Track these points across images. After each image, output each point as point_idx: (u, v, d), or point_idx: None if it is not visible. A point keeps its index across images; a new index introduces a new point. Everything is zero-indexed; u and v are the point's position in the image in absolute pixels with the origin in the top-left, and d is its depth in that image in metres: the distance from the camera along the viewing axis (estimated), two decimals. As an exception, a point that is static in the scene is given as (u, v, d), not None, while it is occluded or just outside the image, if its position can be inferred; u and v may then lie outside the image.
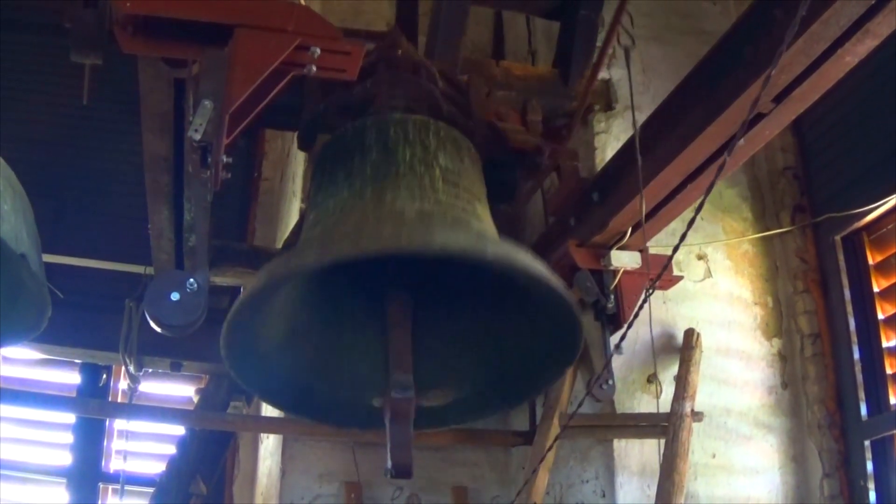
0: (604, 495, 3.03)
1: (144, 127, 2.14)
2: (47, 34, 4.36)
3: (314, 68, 1.79)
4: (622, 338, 1.95)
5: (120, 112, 4.18)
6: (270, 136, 4.88)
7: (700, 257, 3.30)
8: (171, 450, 4.33)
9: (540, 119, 2.56)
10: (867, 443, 2.95)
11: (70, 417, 4.97)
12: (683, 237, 1.55)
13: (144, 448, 5.04)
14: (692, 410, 2.89)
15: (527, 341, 1.92)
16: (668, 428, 2.86)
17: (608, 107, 3.38)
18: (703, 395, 3.00)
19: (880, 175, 2.95)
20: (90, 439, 4.95)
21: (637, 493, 2.96)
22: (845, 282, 3.14)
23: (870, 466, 2.93)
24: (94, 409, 4.03)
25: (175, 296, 2.06)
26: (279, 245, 3.80)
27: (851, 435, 3.01)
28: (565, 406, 3.13)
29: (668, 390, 3.02)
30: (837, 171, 3.27)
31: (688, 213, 2.43)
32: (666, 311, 3.16)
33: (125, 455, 4.65)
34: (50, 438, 5.05)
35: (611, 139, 3.33)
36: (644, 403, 3.06)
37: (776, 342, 3.27)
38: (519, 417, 3.56)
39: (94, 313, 4.00)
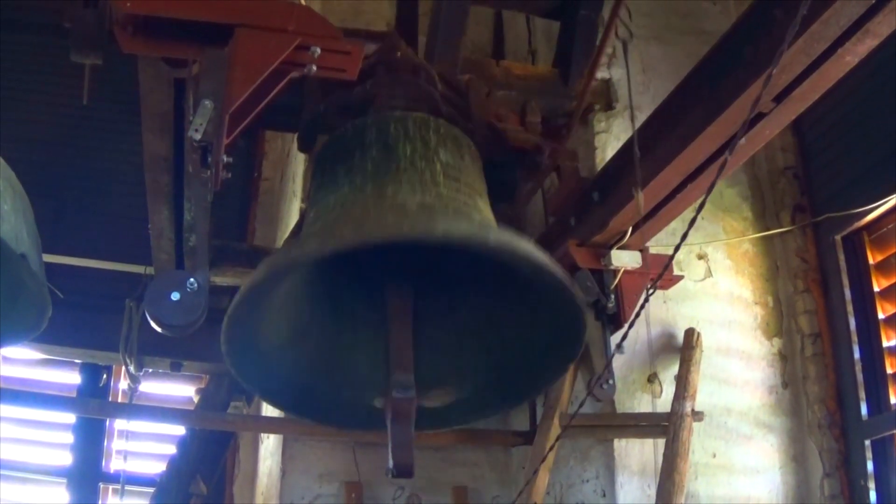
0: (604, 495, 3.03)
1: (144, 127, 2.13)
2: (47, 34, 4.36)
3: (314, 68, 1.79)
4: (624, 337, 1.95)
5: (120, 112, 4.18)
6: (270, 136, 4.88)
7: (700, 257, 3.30)
8: (172, 450, 4.32)
9: (539, 120, 2.55)
10: (867, 442, 2.95)
11: (70, 417, 4.97)
12: (685, 237, 1.55)
13: (145, 448, 5.03)
14: (692, 410, 2.89)
15: (529, 334, 1.91)
16: (668, 428, 2.86)
17: (608, 106, 3.38)
18: (704, 395, 3.00)
19: (880, 175, 2.95)
20: (90, 439, 4.95)
21: (637, 493, 2.96)
22: (846, 281, 3.15)
23: (870, 466, 2.93)
24: (94, 409, 4.03)
25: (175, 296, 2.06)
26: (279, 245, 3.81)
27: (852, 434, 3.01)
28: (566, 406, 3.13)
29: (668, 390, 3.02)
30: (837, 170, 3.27)
31: (688, 213, 2.43)
32: (666, 310, 3.16)
33: (125, 455, 4.65)
34: (50, 438, 5.05)
35: (611, 139, 3.34)
36: (644, 403, 3.06)
37: (776, 342, 3.28)
38: (519, 417, 3.56)
39: (95, 313, 3.99)
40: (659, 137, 2.22)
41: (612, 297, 2.54)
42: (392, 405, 1.72)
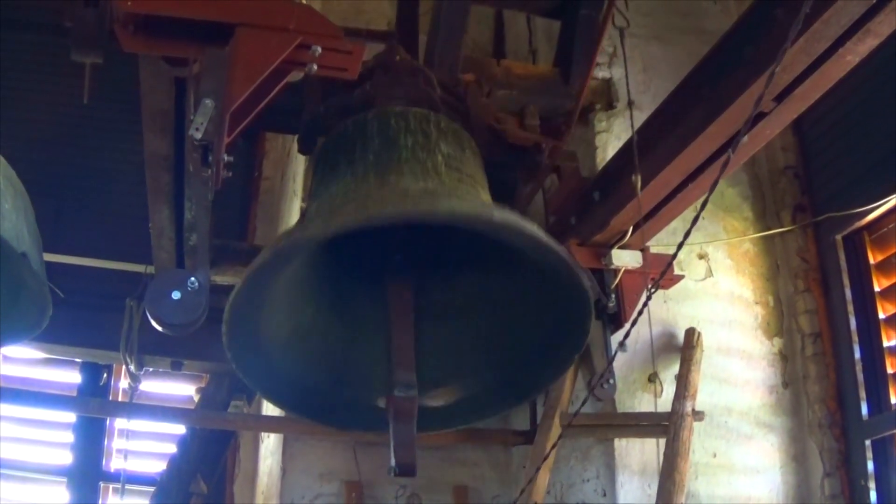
0: (604, 494, 3.03)
1: (145, 126, 2.13)
2: (47, 33, 4.35)
3: (315, 67, 1.78)
4: (626, 335, 1.95)
5: (120, 111, 4.16)
6: (271, 136, 4.86)
7: (701, 256, 3.30)
8: (172, 449, 4.32)
9: (537, 123, 2.55)
10: (868, 442, 2.95)
11: (70, 416, 4.96)
12: (687, 236, 1.54)
13: (145, 447, 5.02)
14: (693, 410, 2.89)
15: (533, 328, 1.88)
16: (668, 427, 2.86)
17: (609, 106, 3.38)
18: (704, 395, 3.00)
19: (881, 174, 2.95)
20: (91, 438, 4.94)
21: (638, 493, 2.96)
22: (846, 281, 3.15)
23: (870, 466, 2.93)
24: (94, 408, 4.03)
25: (176, 295, 2.06)
26: (280, 244, 3.80)
27: (852, 434, 3.01)
28: (566, 405, 3.13)
29: (668, 389, 3.02)
30: (838, 170, 3.27)
31: (688, 213, 2.43)
32: (667, 310, 3.17)
33: (126, 454, 4.64)
34: (50, 437, 5.04)
35: (611, 138, 3.34)
36: (645, 403, 3.06)
37: (777, 341, 3.28)
38: (519, 417, 3.56)
39: (95, 312, 3.99)
40: (659, 137, 2.22)
41: (613, 296, 2.54)
42: (394, 404, 1.73)
